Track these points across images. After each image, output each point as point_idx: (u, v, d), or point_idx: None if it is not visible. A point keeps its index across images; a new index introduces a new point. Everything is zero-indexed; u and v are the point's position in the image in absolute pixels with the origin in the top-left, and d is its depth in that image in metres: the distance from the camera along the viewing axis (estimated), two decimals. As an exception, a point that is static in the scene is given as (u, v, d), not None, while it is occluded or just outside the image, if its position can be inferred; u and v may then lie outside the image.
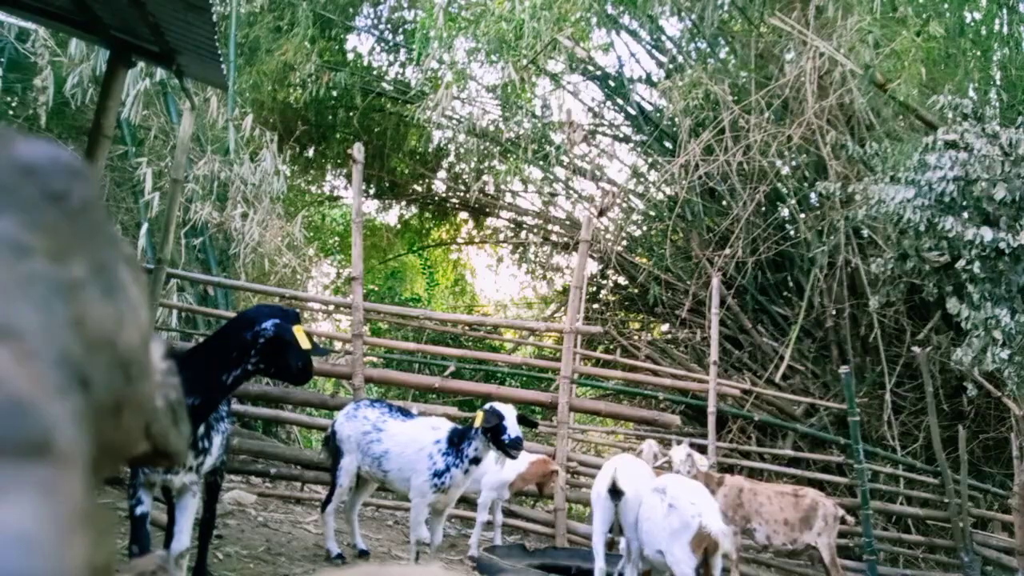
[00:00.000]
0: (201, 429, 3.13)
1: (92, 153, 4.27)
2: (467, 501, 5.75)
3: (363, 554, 4.62)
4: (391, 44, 11.18)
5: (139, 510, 3.05)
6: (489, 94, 10.28)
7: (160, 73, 6.72)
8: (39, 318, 0.46)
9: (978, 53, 8.42)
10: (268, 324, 3.00)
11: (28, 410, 0.36)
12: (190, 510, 3.21)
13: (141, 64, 6.03)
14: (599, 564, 4.34)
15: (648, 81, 10.63)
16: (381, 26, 11.25)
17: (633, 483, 4.32)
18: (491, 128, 10.06)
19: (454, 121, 9.83)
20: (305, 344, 3.01)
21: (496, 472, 5.12)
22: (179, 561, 3.19)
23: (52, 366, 0.44)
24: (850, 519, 5.89)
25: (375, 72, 11.11)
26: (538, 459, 5.48)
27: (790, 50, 8.21)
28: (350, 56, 10.95)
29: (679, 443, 5.46)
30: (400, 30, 11.07)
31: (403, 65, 11.09)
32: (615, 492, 4.27)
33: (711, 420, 6.55)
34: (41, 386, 0.40)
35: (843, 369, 6.62)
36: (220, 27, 4.87)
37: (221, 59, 4.61)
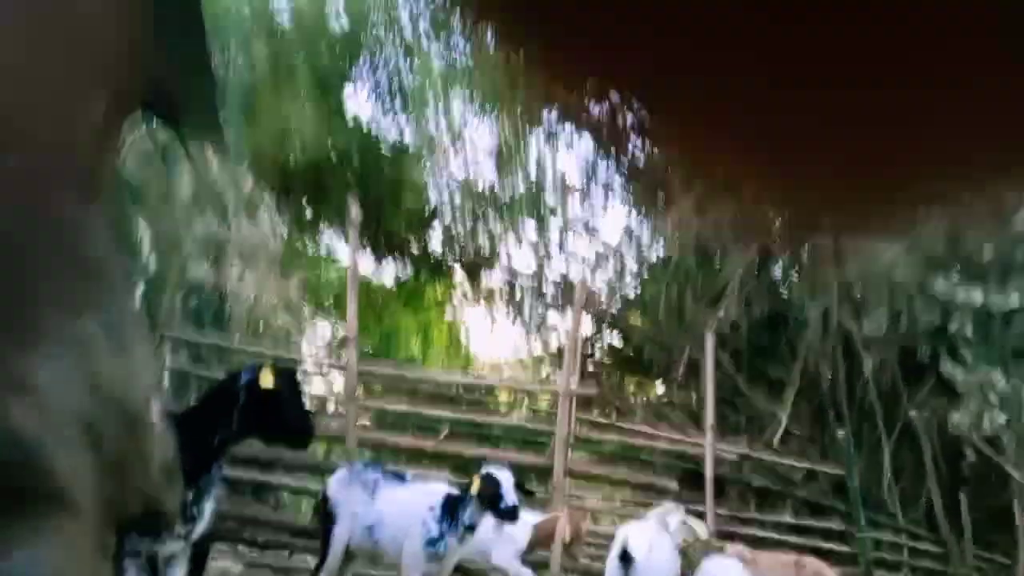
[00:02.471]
0: (190, 495, 3.05)
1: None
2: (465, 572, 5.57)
3: (351, 626, 4.45)
4: (389, 108, 11.49)
5: None
6: (484, 154, 10.51)
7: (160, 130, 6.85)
8: (55, 373, 0.46)
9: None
10: (244, 376, 2.98)
11: (46, 463, 0.36)
12: (178, 579, 3.10)
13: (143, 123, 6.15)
14: None
15: (642, 130, 10.85)
16: (379, 90, 11.58)
17: (644, 549, 4.22)
18: (487, 193, 10.26)
19: (450, 182, 10.03)
20: (267, 383, 2.93)
21: (510, 543, 4.96)
22: (162, 634, 3.06)
23: (68, 420, 0.43)
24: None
25: (374, 136, 11.38)
26: (542, 521, 5.24)
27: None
28: (350, 123, 11.22)
29: (677, 507, 5.35)
30: (397, 95, 11.39)
31: (401, 131, 11.36)
32: (625, 557, 4.17)
33: (709, 486, 6.43)
34: (58, 440, 0.40)
35: (841, 433, 6.58)
36: (221, 88, 5.00)
37: (223, 120, 4.71)
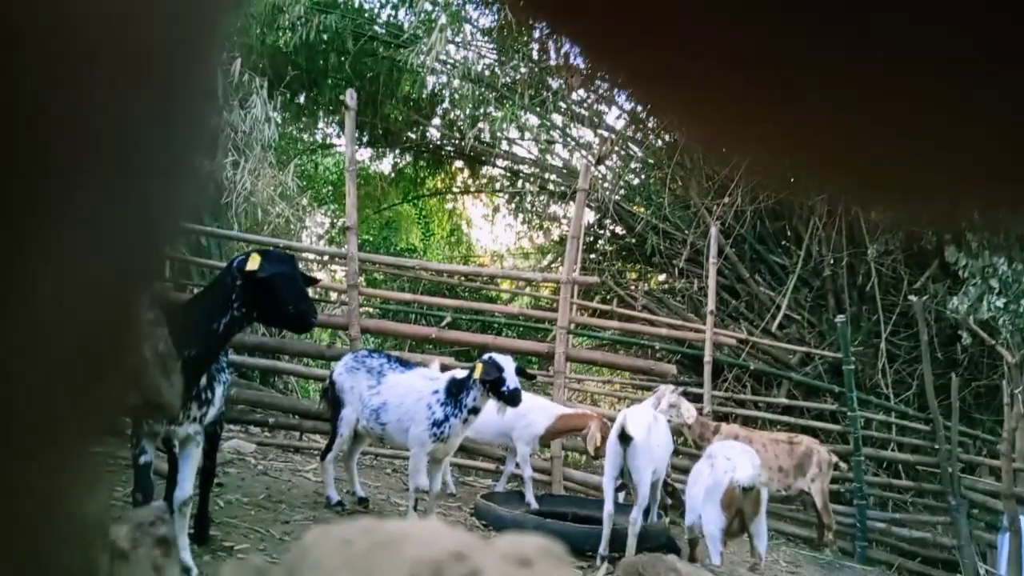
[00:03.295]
0: (203, 380, 3.11)
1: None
2: (467, 450, 5.82)
3: (362, 501, 4.68)
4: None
5: (143, 459, 3.06)
6: (484, 38, 10.02)
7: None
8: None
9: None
10: (236, 262, 2.95)
11: None
12: (193, 459, 3.22)
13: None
14: (608, 508, 4.42)
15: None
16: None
17: (642, 431, 4.37)
18: (487, 73, 9.83)
19: (448, 66, 9.60)
20: (253, 266, 2.92)
21: (527, 428, 5.18)
22: (182, 509, 3.21)
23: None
24: (843, 465, 6.00)
25: (367, 15, 10.79)
26: (567, 413, 5.39)
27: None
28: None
29: (672, 391, 5.53)
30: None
31: (395, 8, 10.76)
32: (624, 438, 4.33)
33: (707, 369, 6.59)
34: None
35: (839, 318, 6.65)
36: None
37: None
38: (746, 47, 0.21)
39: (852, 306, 8.95)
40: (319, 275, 9.59)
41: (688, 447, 6.24)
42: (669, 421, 5.21)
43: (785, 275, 9.33)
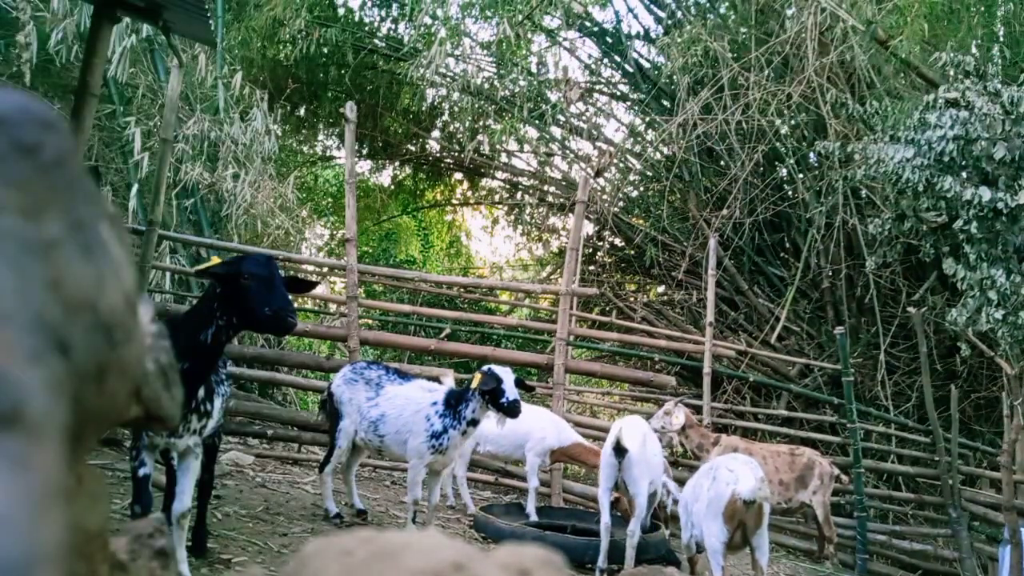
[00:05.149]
0: (202, 392, 3.10)
1: (79, 112, 4.16)
2: (477, 465, 5.81)
3: (361, 513, 4.67)
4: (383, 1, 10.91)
5: (142, 472, 3.05)
6: (484, 51, 10.08)
7: (146, 29, 6.54)
8: (10, 279, 0.43)
9: (982, 8, 8.26)
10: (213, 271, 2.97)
11: None
12: (192, 472, 3.21)
13: (127, 20, 5.86)
14: (604, 519, 4.41)
15: (646, 37, 10.43)
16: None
17: (637, 442, 4.37)
18: (486, 86, 9.89)
19: (448, 79, 9.66)
20: (202, 266, 2.94)
21: (541, 441, 5.26)
22: (181, 521, 3.20)
23: (26, 330, 0.40)
24: (844, 478, 5.98)
25: (367, 28, 10.87)
26: (585, 446, 5.41)
27: (791, 5, 8.03)
28: (341, 11, 10.69)
29: (675, 403, 5.53)
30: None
31: (395, 21, 10.84)
32: (619, 450, 4.32)
33: (706, 381, 6.59)
34: (12, 352, 0.37)
35: (838, 330, 6.65)
36: (206, -20, 4.70)
37: (208, 14, 4.48)
38: None
39: (851, 318, 8.96)
40: (319, 287, 9.58)
41: (688, 459, 6.23)
42: (662, 428, 5.23)
43: (784, 287, 9.34)
